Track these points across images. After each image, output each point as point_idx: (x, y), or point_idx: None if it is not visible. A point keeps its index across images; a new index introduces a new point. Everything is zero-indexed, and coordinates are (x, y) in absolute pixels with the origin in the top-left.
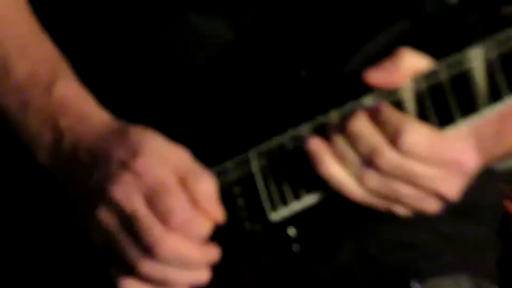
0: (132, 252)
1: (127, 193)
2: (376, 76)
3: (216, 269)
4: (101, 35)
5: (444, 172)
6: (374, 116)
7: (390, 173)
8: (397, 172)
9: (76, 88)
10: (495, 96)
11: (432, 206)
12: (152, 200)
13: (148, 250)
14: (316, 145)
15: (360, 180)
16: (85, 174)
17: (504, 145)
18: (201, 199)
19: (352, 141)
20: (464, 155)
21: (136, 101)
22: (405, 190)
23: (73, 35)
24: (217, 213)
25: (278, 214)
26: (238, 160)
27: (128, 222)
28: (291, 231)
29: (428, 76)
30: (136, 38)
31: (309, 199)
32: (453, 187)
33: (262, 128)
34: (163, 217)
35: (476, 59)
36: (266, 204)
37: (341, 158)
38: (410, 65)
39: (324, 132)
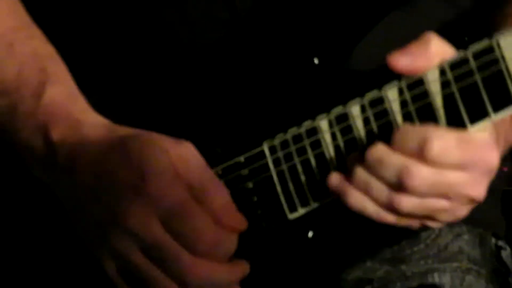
0: (160, 279)
1: (144, 222)
2: (402, 60)
3: None
4: (96, 25)
5: (474, 175)
6: (392, 138)
7: (425, 192)
8: (433, 187)
9: (67, 92)
10: None
11: (463, 212)
12: (172, 224)
13: (179, 280)
14: (337, 181)
15: (391, 206)
16: (90, 197)
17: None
18: (221, 213)
19: (374, 170)
20: (491, 153)
21: (137, 96)
22: (440, 204)
23: (66, 27)
24: (240, 223)
25: (298, 213)
26: (251, 154)
27: (151, 250)
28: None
29: (456, 65)
30: (131, 24)
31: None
32: (482, 188)
33: (275, 120)
34: (188, 242)
35: (508, 47)
36: (284, 201)
37: (366, 189)
38: (438, 51)
39: (342, 122)
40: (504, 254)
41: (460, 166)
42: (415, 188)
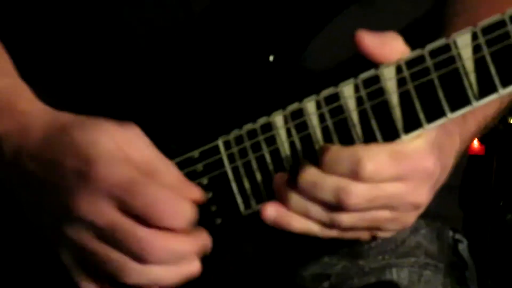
0: (120, 261)
1: (95, 207)
2: (371, 40)
3: None
4: (53, 21)
5: (413, 183)
6: (321, 161)
7: (363, 207)
8: (372, 202)
9: (10, 85)
10: (487, 88)
11: (410, 219)
12: (124, 203)
13: (138, 257)
14: (274, 213)
15: (333, 225)
16: (39, 189)
17: (467, 130)
18: (172, 186)
19: (309, 193)
20: (426, 160)
21: (91, 92)
22: (383, 215)
23: (23, 21)
24: (195, 192)
25: (252, 209)
26: (205, 148)
27: (106, 233)
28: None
29: (413, 62)
30: (88, 20)
31: None
32: (423, 194)
33: (231, 117)
34: (142, 218)
35: (465, 46)
36: (238, 198)
37: (305, 214)
38: (397, 48)
39: (298, 118)
40: (461, 247)
41: (396, 179)
42: (354, 206)
